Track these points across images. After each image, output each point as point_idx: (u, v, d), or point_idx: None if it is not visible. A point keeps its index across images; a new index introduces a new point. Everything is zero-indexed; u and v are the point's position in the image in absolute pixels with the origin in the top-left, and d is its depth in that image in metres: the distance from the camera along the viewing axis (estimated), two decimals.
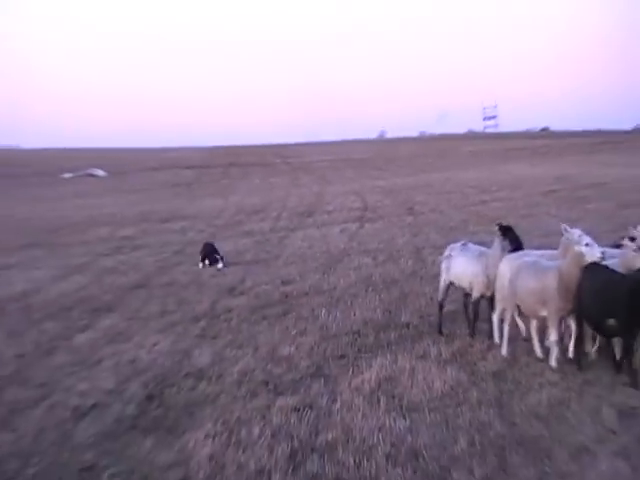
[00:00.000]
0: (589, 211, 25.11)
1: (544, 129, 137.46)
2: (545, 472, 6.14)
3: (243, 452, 6.85)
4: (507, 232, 10.50)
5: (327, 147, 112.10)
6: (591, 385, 8.01)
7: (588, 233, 8.72)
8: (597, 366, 8.57)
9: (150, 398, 8.51)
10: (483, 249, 10.71)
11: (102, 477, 6.59)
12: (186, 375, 9.19)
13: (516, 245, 10.39)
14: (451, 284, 10.84)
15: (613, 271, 8.41)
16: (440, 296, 10.99)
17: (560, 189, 33.92)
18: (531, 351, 9.23)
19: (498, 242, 10.38)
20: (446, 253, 11.04)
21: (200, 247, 18.67)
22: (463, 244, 11.06)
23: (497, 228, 10.69)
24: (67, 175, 71.93)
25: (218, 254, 18.22)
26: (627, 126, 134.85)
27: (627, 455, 6.31)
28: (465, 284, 10.51)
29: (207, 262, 18.06)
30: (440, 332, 10.58)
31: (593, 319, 8.39)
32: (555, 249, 9.97)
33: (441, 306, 10.91)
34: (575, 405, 7.48)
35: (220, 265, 17.79)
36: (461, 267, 10.55)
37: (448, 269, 10.80)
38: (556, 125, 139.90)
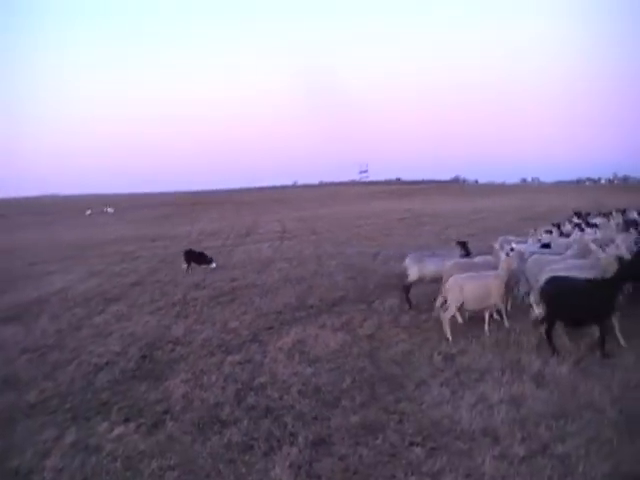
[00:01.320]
0: (425, 231, 25.82)
1: (398, 179, 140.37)
2: (399, 397, 6.29)
3: (205, 392, 6.80)
4: (463, 245, 11.20)
5: (259, 191, 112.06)
6: (428, 340, 8.23)
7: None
8: (431, 329, 8.78)
9: (144, 357, 8.39)
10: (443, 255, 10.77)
11: (113, 409, 6.48)
12: (167, 342, 9.05)
13: (467, 253, 10.94)
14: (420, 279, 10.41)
15: None
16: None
17: (408, 217, 34.74)
18: (392, 322, 9.44)
19: (457, 251, 10.97)
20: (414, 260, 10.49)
21: (183, 255, 17.08)
22: (432, 253, 11.21)
23: (455, 243, 11.49)
24: (88, 212, 70.95)
25: (207, 256, 16.98)
26: (448, 176, 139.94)
27: (448, 384, 6.54)
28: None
29: (197, 264, 16.58)
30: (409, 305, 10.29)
31: None
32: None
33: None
34: (418, 354, 7.68)
35: (214, 265, 16.66)
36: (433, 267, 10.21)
37: (422, 269, 10.31)
38: (406, 176, 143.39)
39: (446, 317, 8.42)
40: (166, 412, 6.34)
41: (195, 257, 16.97)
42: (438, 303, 8.91)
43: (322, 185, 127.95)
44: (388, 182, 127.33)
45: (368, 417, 5.86)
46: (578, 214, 17.65)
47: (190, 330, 9.77)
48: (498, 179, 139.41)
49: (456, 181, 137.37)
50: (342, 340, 8.56)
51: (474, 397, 6.08)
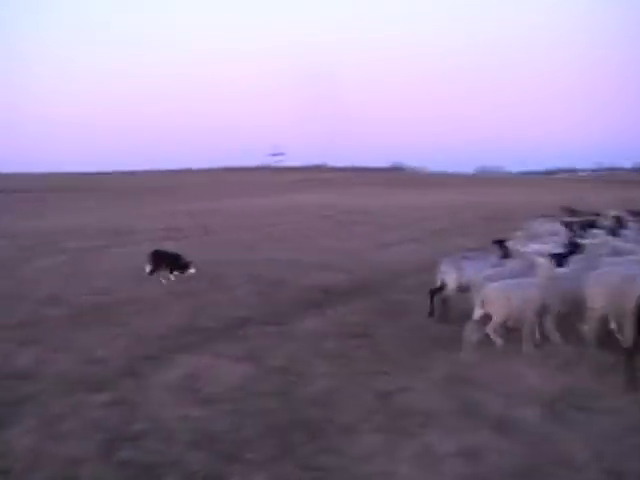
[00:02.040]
0: (356, 232, 26.15)
1: (322, 165, 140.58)
2: (320, 448, 6.27)
3: (60, 443, 6.56)
4: (501, 245, 11.64)
5: (144, 175, 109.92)
6: (358, 374, 8.31)
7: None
8: (363, 359, 8.90)
9: None
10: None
11: None
12: (8, 377, 8.60)
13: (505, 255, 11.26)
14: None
15: None
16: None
17: (334, 214, 35.02)
18: (312, 350, 9.50)
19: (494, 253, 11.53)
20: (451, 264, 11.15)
21: (149, 256, 15.73)
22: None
23: (492, 242, 12.03)
24: None
25: (183, 259, 15.83)
26: (387, 163, 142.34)
27: (383, 431, 6.58)
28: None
29: (169, 271, 15.52)
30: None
31: None
32: None
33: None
34: (345, 391, 7.73)
35: (192, 270, 15.69)
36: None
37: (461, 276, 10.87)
38: (335, 161, 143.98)
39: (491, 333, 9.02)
40: (6, 472, 6.09)
41: (168, 260, 15.84)
42: (476, 316, 9.23)
43: (224, 170, 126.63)
44: (310, 168, 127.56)
45: (279, 475, 5.81)
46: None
47: (41, 360, 9.41)
48: (450, 167, 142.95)
49: (397, 169, 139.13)
50: (245, 373, 8.51)
51: (417, 447, 6.16)
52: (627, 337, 8.00)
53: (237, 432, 6.70)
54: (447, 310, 11.22)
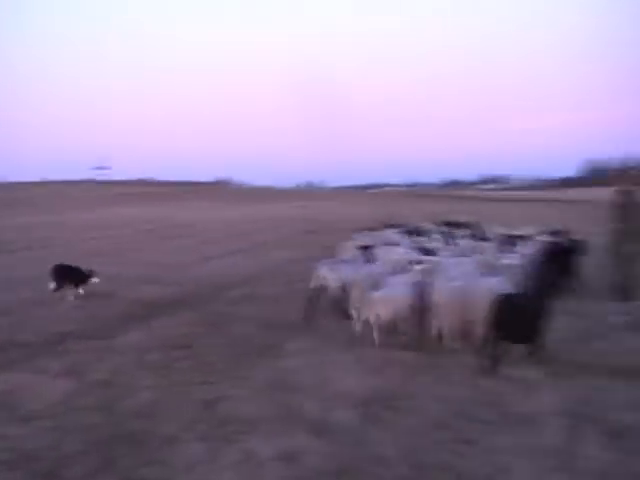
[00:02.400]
0: (179, 245, 25.88)
1: (148, 179, 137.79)
2: (142, 460, 6.10)
3: None
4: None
5: None
6: (181, 384, 8.21)
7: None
8: (186, 369, 8.84)
9: None
10: None
11: None
12: None
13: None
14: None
15: None
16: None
17: (159, 227, 34.46)
18: (136, 363, 9.30)
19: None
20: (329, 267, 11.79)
21: (51, 272, 14.28)
22: None
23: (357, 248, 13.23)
24: None
25: (83, 271, 14.50)
26: (212, 177, 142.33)
27: (206, 439, 6.56)
28: None
29: (73, 285, 14.23)
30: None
31: None
32: None
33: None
34: (168, 402, 7.60)
35: (95, 279, 14.49)
36: None
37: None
38: (162, 175, 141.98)
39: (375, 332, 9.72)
40: None
41: (71, 274, 14.38)
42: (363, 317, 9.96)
43: (44, 183, 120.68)
44: (136, 182, 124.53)
45: None
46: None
47: None
48: (276, 182, 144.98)
49: (223, 183, 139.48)
50: (67, 389, 8.10)
51: (239, 454, 6.16)
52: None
53: (57, 449, 6.36)
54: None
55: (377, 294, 9.84)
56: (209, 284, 16.20)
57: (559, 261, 12.48)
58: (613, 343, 9.70)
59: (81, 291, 14.39)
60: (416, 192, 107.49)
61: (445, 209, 39.28)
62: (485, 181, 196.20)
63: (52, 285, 14.23)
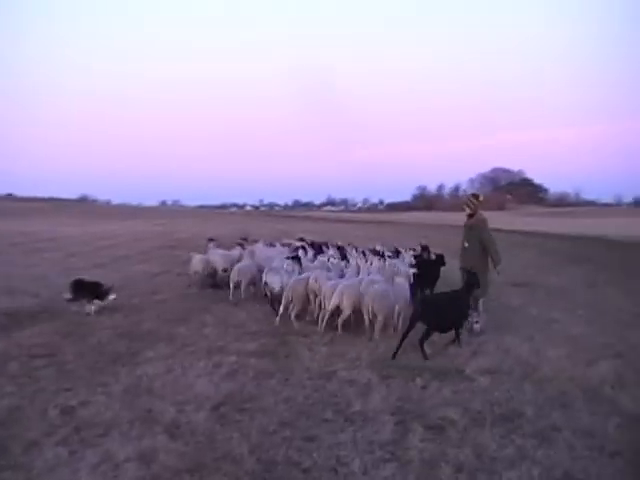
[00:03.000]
0: (44, 259, 24.66)
1: (9, 194, 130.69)
2: (3, 465, 5.83)
3: None
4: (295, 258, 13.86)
5: None
6: (42, 391, 7.85)
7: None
8: (48, 377, 8.42)
9: None
10: None
11: None
12: None
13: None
14: None
15: None
16: None
17: (22, 242, 32.69)
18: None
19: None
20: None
21: (70, 286, 12.96)
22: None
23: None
24: None
25: (102, 285, 13.21)
26: (75, 194, 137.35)
27: (65, 443, 6.34)
28: None
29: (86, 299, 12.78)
30: None
31: None
32: None
33: None
34: (28, 409, 7.26)
35: (112, 296, 13.19)
36: None
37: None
38: (22, 191, 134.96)
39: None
40: None
41: (88, 288, 12.98)
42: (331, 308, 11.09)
43: None
44: None
45: None
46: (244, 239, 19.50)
47: None
48: (134, 200, 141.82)
49: (84, 200, 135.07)
50: None
51: (98, 456, 6.03)
52: None
53: None
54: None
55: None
56: None
57: (431, 270, 14.32)
58: (438, 347, 10.15)
59: (93, 307, 12.94)
60: (268, 212, 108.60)
61: (297, 229, 39.78)
62: (332, 203, 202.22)
63: (67, 296, 13.00)
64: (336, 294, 10.86)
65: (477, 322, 11.36)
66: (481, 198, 12.06)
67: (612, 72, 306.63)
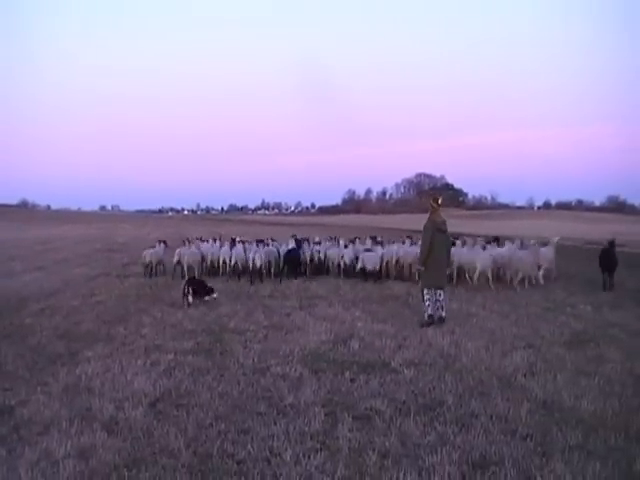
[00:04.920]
0: None
1: None
2: None
3: None
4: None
5: None
6: None
7: None
8: None
9: None
10: None
11: None
12: None
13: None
14: None
15: None
16: None
17: None
18: None
19: None
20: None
21: (184, 285, 14.29)
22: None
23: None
24: None
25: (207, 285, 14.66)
26: (14, 200, 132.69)
27: (4, 442, 6.09)
28: None
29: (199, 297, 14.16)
30: None
31: None
32: None
33: None
34: None
35: (215, 295, 14.46)
36: None
37: None
38: None
39: None
40: None
41: (199, 286, 14.52)
42: None
43: None
44: None
45: None
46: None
47: None
48: (74, 205, 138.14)
49: (24, 205, 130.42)
50: None
51: (36, 454, 5.79)
52: None
53: None
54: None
55: None
56: (11, 297, 14.99)
57: None
58: (367, 343, 10.27)
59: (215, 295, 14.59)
60: (204, 216, 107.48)
61: (233, 231, 39.45)
62: (266, 207, 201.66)
63: (190, 298, 14.07)
64: None
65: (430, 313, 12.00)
66: (439, 201, 12.31)
67: (527, 80, 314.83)
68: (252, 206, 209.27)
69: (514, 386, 7.90)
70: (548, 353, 9.63)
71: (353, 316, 12.60)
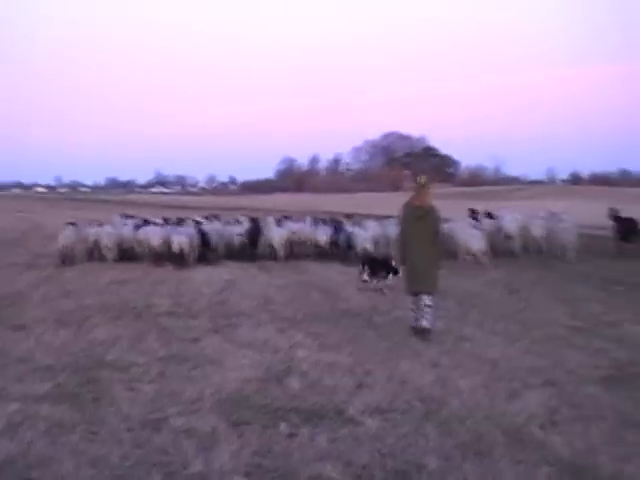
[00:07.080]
0: None
1: None
2: None
3: None
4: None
5: None
6: None
7: None
8: None
9: None
10: None
11: None
12: None
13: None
14: None
15: None
16: None
17: None
18: None
19: None
20: None
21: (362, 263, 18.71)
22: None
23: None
24: None
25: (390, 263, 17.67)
26: None
27: None
28: None
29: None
30: None
31: None
32: None
33: None
34: None
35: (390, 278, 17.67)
36: None
37: None
38: None
39: None
40: None
41: (382, 265, 18.06)
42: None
43: None
44: None
45: None
46: None
47: None
48: None
49: None
50: None
51: None
52: None
53: None
54: None
55: None
56: None
57: None
58: (312, 381, 10.15)
59: (389, 282, 17.73)
60: (69, 196, 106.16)
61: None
62: (163, 183, 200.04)
63: (365, 276, 18.10)
64: None
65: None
66: (422, 182, 13.25)
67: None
68: (142, 181, 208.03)
69: (527, 443, 7.78)
70: (577, 394, 9.58)
71: (292, 341, 12.46)
